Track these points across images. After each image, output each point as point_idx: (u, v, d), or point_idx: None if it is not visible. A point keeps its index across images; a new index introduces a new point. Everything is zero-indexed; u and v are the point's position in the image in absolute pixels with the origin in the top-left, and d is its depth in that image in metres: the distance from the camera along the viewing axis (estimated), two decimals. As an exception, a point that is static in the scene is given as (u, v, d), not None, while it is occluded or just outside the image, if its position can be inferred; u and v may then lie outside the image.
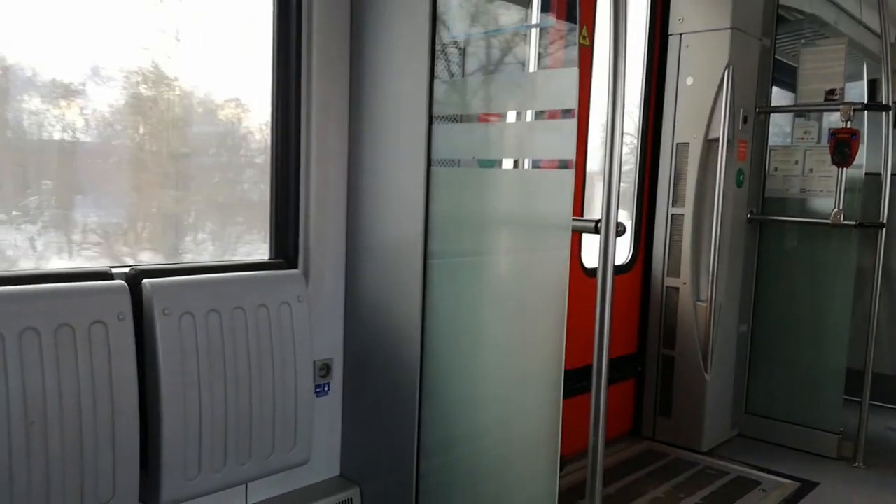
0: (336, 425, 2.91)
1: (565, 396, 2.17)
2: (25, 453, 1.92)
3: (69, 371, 2.00)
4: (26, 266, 2.21)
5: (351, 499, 2.84)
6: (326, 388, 2.86)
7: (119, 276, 2.22)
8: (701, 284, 3.84)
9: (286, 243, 2.76)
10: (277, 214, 2.75)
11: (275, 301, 2.47)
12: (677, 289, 3.90)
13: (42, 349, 1.95)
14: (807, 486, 3.49)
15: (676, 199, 3.89)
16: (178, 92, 2.55)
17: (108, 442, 2.06)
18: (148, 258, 2.51)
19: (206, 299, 2.29)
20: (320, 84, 2.70)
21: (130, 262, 2.43)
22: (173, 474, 2.21)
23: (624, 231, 2.07)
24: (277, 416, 2.46)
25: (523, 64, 2.57)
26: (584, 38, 3.12)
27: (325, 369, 2.84)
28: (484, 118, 2.54)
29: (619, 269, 3.93)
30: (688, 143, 3.84)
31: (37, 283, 2.05)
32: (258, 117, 2.78)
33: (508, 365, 2.42)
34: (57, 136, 2.28)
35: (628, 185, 4.05)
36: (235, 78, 2.71)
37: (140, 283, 2.20)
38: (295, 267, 2.74)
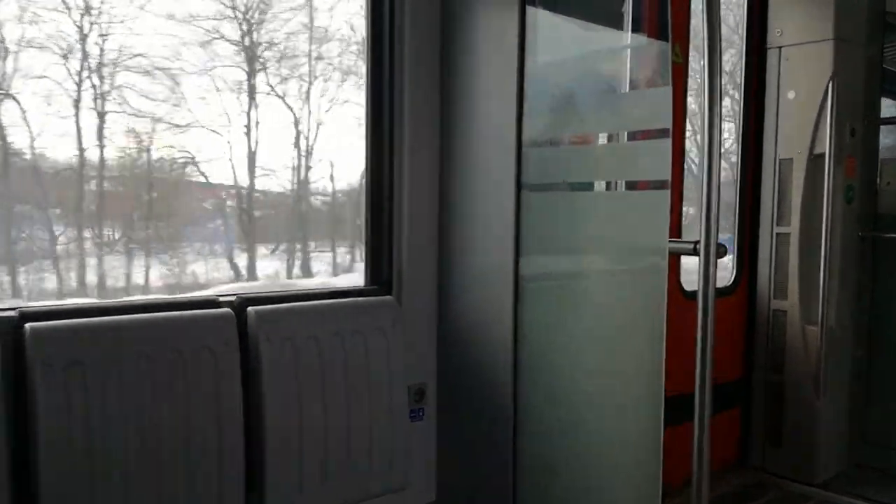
0: (431, 450, 2.92)
1: (667, 425, 2.10)
2: (139, 474, 2.03)
3: (180, 395, 2.10)
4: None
5: (447, 525, 2.83)
6: (421, 413, 2.87)
7: (225, 304, 2.32)
8: (811, 307, 3.64)
9: (380, 270, 2.82)
10: (372, 242, 2.82)
11: (370, 326, 2.52)
12: (785, 311, 3.71)
13: (155, 375, 2.07)
14: (936, 524, 3.22)
15: (781, 218, 3.72)
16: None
17: (215, 464, 2.15)
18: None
19: (305, 325, 2.37)
20: (412, 113, 2.77)
21: (236, 290, 2.54)
22: (277, 496, 2.27)
23: (725, 253, 2.00)
24: (375, 440, 2.49)
25: (616, 85, 2.54)
26: (676, 55, 3.06)
27: (419, 394, 2.87)
28: (575, 140, 2.52)
29: (721, 292, 3.78)
30: (791, 160, 3.67)
31: (150, 312, 2.18)
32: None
33: (606, 391, 2.37)
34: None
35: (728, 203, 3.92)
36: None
37: (245, 310, 2.30)
38: (389, 293, 2.79)
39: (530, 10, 2.50)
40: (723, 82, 1.99)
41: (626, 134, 2.45)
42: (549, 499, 2.53)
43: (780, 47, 3.71)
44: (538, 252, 2.55)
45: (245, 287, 2.65)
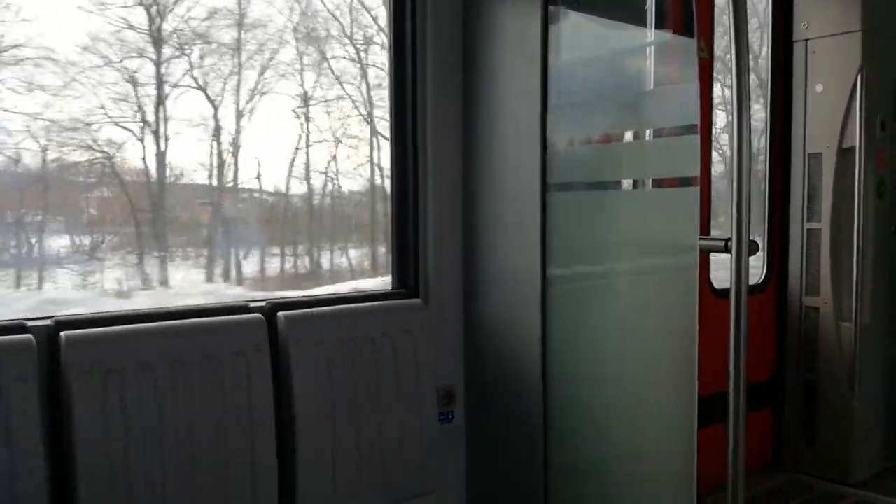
0: (461, 453, 2.92)
1: (698, 426, 2.08)
2: (174, 478, 2.05)
3: (212, 400, 2.12)
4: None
5: (479, 528, 2.82)
6: (450, 416, 2.87)
7: (255, 309, 2.34)
8: (843, 303, 3.58)
9: (407, 273, 2.82)
10: (398, 246, 2.82)
11: (398, 329, 2.53)
12: (817, 309, 3.65)
13: (188, 380, 2.09)
14: (979, 525, 3.14)
15: (812, 214, 3.66)
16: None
17: (248, 467, 2.16)
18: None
19: (335, 329, 2.38)
20: (435, 114, 2.77)
21: (266, 296, 2.56)
22: (309, 500, 2.28)
23: (757, 250, 1.98)
24: (405, 442, 2.50)
25: (641, 82, 2.52)
26: (702, 50, 3.03)
27: (448, 397, 2.86)
28: (601, 139, 2.51)
29: (751, 289, 3.73)
30: (821, 154, 3.62)
31: (182, 319, 2.20)
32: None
33: (637, 392, 2.35)
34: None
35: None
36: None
37: (275, 315, 2.31)
38: (416, 296, 2.79)
39: (552, 8, 2.49)
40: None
41: (651, 131, 2.43)
42: (581, 501, 2.51)
43: (806, 40, 3.66)
44: (565, 252, 2.53)
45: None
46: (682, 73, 2.43)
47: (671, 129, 2.29)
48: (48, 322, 2.05)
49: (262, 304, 2.38)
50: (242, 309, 2.31)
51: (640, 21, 2.64)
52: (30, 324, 2.02)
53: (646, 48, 2.61)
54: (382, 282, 2.93)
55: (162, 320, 2.16)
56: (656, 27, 2.67)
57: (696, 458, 2.05)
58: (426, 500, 2.72)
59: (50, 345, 2.01)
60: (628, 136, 2.54)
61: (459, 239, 2.88)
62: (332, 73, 2.96)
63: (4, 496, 1.84)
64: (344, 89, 3.01)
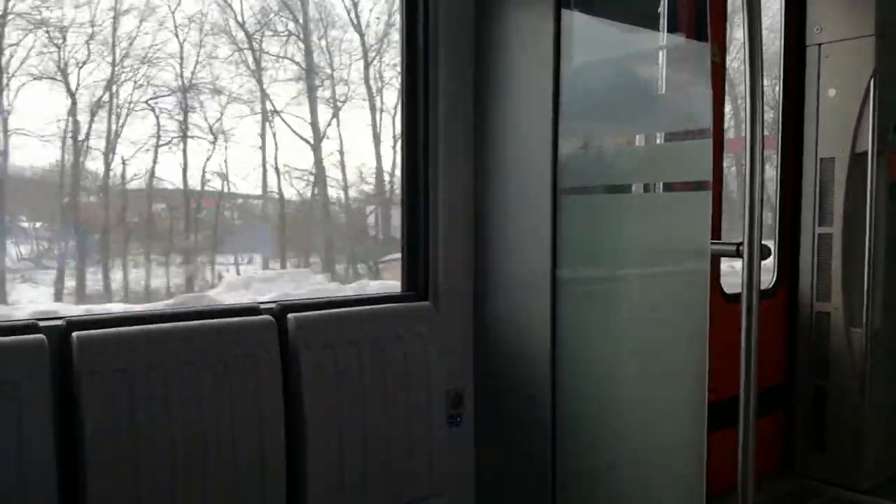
0: (470, 456, 2.91)
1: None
2: (183, 480, 2.05)
3: (222, 402, 2.12)
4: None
5: (487, 531, 2.82)
6: (459, 419, 2.87)
7: (265, 311, 2.34)
8: (855, 309, 3.56)
9: (416, 276, 2.82)
10: (408, 249, 2.83)
11: (408, 332, 2.53)
12: (828, 314, 3.63)
13: (198, 381, 2.09)
14: None
15: (823, 218, 3.65)
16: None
17: (257, 469, 2.17)
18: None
19: (344, 331, 2.39)
20: (446, 117, 2.77)
21: (275, 298, 2.56)
22: (318, 502, 2.28)
23: (769, 254, 1.97)
24: (414, 445, 2.50)
25: (653, 86, 2.52)
26: (714, 55, 3.01)
27: (457, 399, 2.86)
28: (613, 143, 2.50)
29: (762, 294, 3.71)
30: (833, 159, 3.60)
31: (192, 320, 2.20)
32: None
33: (647, 396, 2.34)
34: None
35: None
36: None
37: (285, 317, 2.32)
38: (425, 299, 2.79)
39: (565, 12, 2.49)
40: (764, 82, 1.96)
41: (663, 135, 2.43)
42: (590, 505, 2.51)
43: (819, 44, 3.64)
44: (576, 256, 2.53)
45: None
46: (695, 77, 2.42)
47: (684, 133, 2.29)
48: (60, 322, 2.06)
49: (273, 305, 2.39)
50: (252, 310, 2.32)
51: (653, 25, 2.64)
52: (42, 324, 2.03)
53: (658, 52, 2.61)
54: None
55: (172, 321, 2.16)
56: (669, 31, 2.66)
57: (706, 461, 2.04)
58: (435, 502, 2.72)
59: (61, 345, 2.02)
60: (640, 139, 2.54)
61: (470, 241, 2.87)
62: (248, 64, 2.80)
63: (16, 494, 1.85)
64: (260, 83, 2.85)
